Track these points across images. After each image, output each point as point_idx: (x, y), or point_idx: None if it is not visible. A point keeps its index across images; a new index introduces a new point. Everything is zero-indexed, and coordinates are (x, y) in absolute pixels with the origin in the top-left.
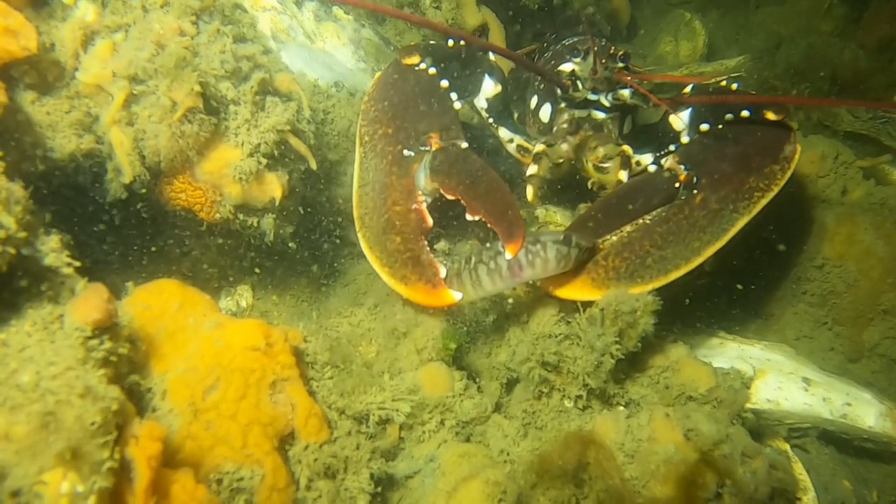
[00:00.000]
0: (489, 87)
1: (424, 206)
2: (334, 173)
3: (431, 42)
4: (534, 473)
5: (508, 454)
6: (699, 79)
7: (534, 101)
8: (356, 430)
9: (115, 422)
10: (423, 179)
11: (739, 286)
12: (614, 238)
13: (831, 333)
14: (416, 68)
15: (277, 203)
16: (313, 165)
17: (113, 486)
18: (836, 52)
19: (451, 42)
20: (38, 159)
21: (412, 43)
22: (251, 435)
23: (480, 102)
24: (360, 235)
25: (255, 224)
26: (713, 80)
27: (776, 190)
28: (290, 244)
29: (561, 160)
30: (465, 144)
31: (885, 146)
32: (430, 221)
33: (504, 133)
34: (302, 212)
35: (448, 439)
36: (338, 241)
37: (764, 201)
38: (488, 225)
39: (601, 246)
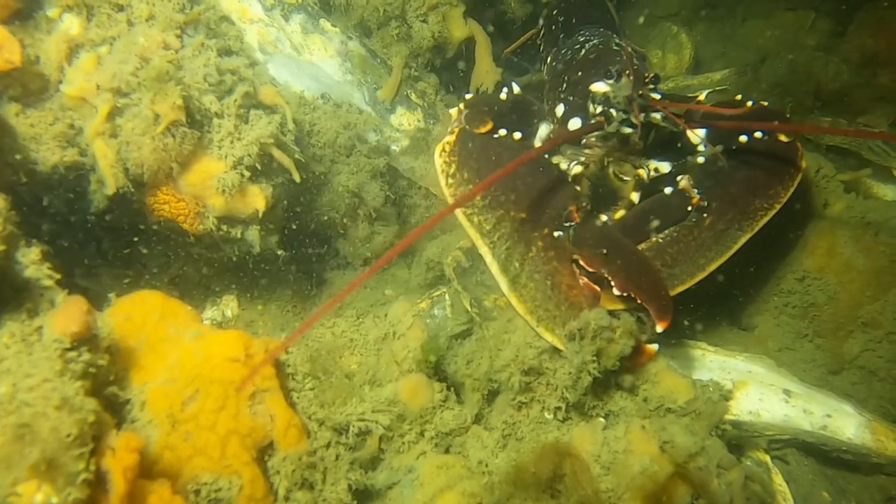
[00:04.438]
0: (544, 132)
1: (586, 278)
2: (319, 185)
3: (485, 99)
4: (511, 485)
5: (487, 465)
6: (717, 109)
7: (560, 109)
8: (336, 441)
9: (92, 433)
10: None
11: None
12: None
13: (812, 345)
14: (496, 136)
15: (261, 215)
16: (296, 178)
17: (88, 497)
18: (820, 67)
19: (503, 95)
20: (21, 171)
21: (468, 100)
22: (230, 446)
23: (537, 144)
24: (541, 330)
25: (239, 235)
26: (730, 99)
27: (778, 207)
28: (278, 252)
29: (592, 174)
30: (604, 217)
31: (866, 160)
32: (598, 289)
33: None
34: (286, 223)
35: (427, 450)
36: (322, 251)
37: (766, 219)
38: (637, 300)
39: None
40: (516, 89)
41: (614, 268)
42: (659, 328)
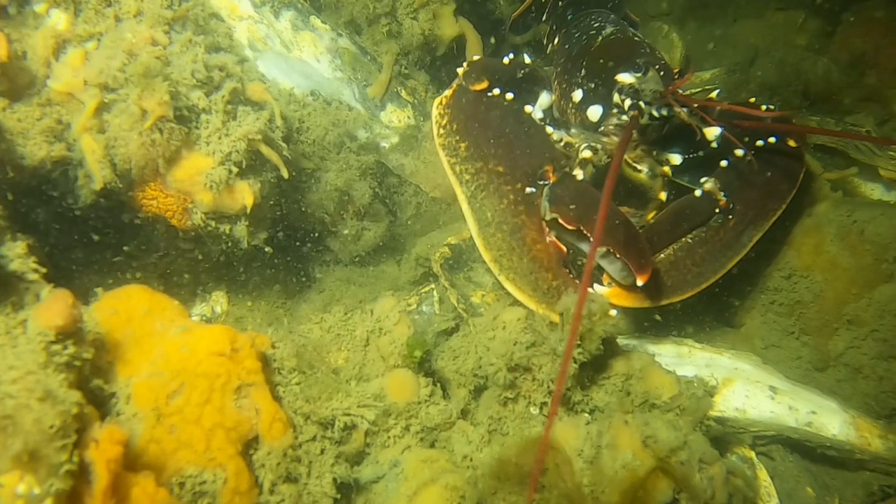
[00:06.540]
0: (545, 100)
1: (554, 236)
2: (308, 181)
3: (488, 60)
4: (494, 478)
5: (472, 460)
6: (741, 108)
7: (578, 95)
8: (321, 435)
9: (75, 425)
10: (543, 211)
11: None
12: (662, 256)
13: (798, 343)
14: (490, 94)
15: (249, 211)
16: (284, 174)
17: (71, 488)
18: (809, 66)
19: (506, 60)
20: (8, 166)
21: (472, 60)
22: (214, 439)
23: (537, 114)
24: (502, 278)
25: (228, 231)
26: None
27: (784, 206)
28: (266, 249)
29: (600, 162)
30: (580, 175)
31: (852, 159)
32: (565, 249)
33: (556, 135)
34: (275, 219)
35: (412, 445)
36: (311, 247)
37: (774, 218)
38: (616, 255)
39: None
40: (526, 59)
41: (592, 223)
42: (639, 281)
